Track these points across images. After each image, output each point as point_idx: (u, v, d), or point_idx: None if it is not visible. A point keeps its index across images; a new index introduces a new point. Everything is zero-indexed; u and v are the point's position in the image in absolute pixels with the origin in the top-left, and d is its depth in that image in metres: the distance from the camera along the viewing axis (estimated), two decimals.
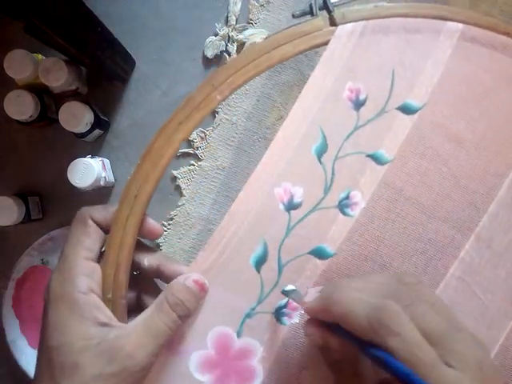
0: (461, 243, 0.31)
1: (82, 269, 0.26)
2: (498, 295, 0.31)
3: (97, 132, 0.48)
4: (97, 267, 0.27)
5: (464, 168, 0.31)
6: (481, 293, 0.31)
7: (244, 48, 0.49)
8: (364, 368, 0.25)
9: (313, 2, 0.29)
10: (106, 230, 0.28)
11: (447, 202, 0.31)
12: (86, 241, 0.26)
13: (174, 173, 0.49)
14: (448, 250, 0.31)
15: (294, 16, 0.30)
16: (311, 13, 0.29)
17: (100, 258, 0.27)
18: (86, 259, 0.26)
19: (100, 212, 0.27)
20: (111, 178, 0.50)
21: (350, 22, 0.29)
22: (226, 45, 0.49)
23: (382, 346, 0.21)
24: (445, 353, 0.21)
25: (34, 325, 0.49)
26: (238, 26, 0.49)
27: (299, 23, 0.29)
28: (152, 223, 0.29)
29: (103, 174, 0.47)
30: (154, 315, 0.26)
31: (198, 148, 0.49)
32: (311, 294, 0.27)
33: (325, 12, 0.30)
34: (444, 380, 0.20)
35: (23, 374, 0.47)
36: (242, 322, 0.29)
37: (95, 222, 0.27)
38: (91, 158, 0.47)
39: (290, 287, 0.29)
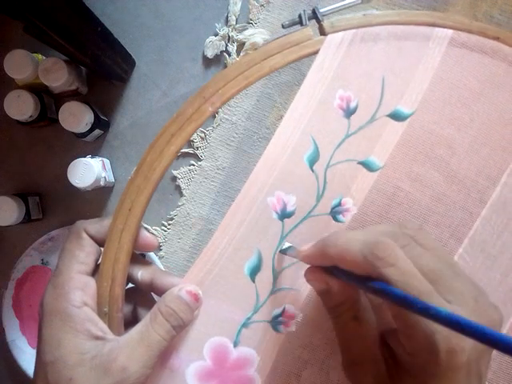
0: (454, 247, 0.31)
1: (76, 283, 0.26)
2: (493, 299, 0.30)
3: (97, 132, 0.48)
4: (91, 281, 0.26)
5: (456, 173, 0.31)
6: None
7: (244, 48, 0.49)
8: (364, 312, 0.25)
9: (302, 11, 0.29)
10: (100, 243, 0.27)
11: (440, 207, 0.31)
12: (79, 255, 0.26)
13: (174, 173, 0.49)
14: None
15: (283, 26, 0.30)
16: (300, 22, 0.29)
17: (96, 271, 0.27)
18: (79, 273, 0.26)
19: (94, 225, 0.27)
20: (111, 178, 0.50)
21: (339, 30, 0.29)
22: (226, 45, 0.49)
23: (380, 277, 0.21)
24: (442, 289, 0.21)
25: (33, 325, 0.49)
26: (238, 25, 0.49)
27: (289, 33, 0.29)
28: (147, 236, 0.28)
29: (103, 174, 0.47)
30: (148, 326, 0.26)
31: (198, 148, 0.49)
32: (308, 244, 0.27)
33: (314, 21, 0.30)
34: None
35: (23, 373, 0.47)
36: (239, 332, 0.29)
37: (89, 235, 0.27)
38: (91, 157, 0.47)
39: (286, 245, 0.29)
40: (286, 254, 0.29)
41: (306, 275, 0.27)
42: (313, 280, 0.26)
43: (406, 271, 0.21)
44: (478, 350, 0.21)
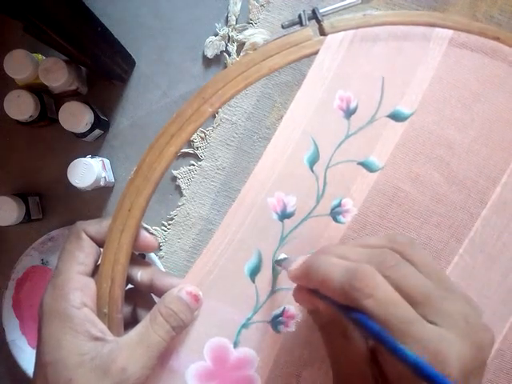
0: (455, 248, 0.31)
1: (75, 283, 0.26)
2: (493, 299, 0.31)
3: (97, 132, 0.48)
4: (90, 281, 0.26)
5: (456, 173, 0.31)
6: (476, 297, 0.31)
7: (244, 48, 0.49)
8: (352, 330, 0.25)
9: (302, 11, 0.29)
10: (100, 244, 0.27)
11: (440, 208, 0.31)
12: (79, 255, 0.26)
13: (174, 173, 0.49)
14: (442, 255, 0.31)
15: (283, 26, 0.30)
16: (300, 23, 0.29)
17: (95, 272, 0.27)
18: (79, 274, 0.26)
19: (94, 226, 0.27)
20: (111, 178, 0.50)
21: (339, 31, 0.29)
22: (226, 45, 0.49)
23: (358, 308, 0.21)
24: (429, 312, 0.21)
25: (33, 325, 0.49)
26: (237, 25, 0.49)
27: (289, 33, 0.29)
28: (146, 236, 0.28)
29: (103, 174, 0.47)
30: (148, 327, 0.26)
31: (198, 148, 0.49)
32: (298, 261, 0.26)
33: (314, 22, 0.30)
34: (424, 336, 0.20)
35: (23, 373, 0.47)
36: (239, 332, 0.29)
37: (89, 236, 0.27)
38: (91, 157, 0.47)
39: (282, 256, 0.29)
40: (280, 266, 0.29)
41: (293, 294, 0.27)
42: (300, 300, 0.26)
43: (384, 301, 0.20)
44: None
